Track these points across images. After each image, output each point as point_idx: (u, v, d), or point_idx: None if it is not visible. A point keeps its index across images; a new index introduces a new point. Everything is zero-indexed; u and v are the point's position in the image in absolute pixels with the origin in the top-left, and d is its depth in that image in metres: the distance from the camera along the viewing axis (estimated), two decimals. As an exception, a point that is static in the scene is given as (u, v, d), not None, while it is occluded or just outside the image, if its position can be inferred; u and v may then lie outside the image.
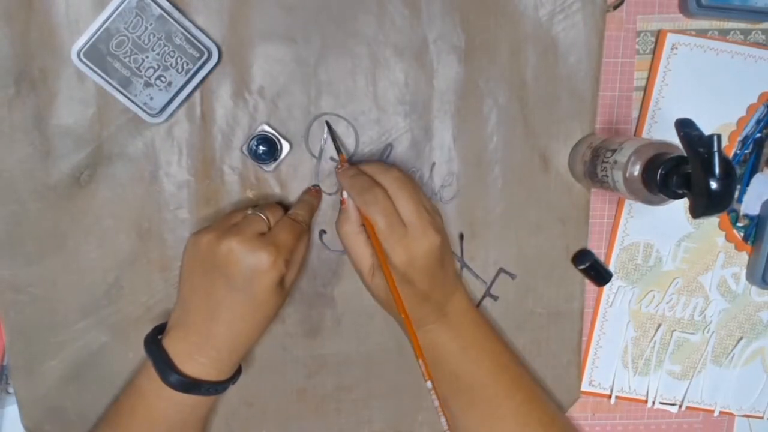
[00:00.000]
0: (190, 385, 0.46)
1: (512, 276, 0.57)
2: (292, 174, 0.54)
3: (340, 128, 0.54)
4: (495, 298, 0.57)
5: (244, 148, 0.52)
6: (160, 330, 0.49)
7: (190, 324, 0.47)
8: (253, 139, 0.52)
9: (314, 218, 0.54)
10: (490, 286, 0.57)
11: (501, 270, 0.56)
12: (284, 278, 0.48)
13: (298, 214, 0.51)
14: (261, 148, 0.52)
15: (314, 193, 0.54)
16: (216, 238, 0.46)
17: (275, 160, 0.53)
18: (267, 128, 0.53)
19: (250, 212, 0.49)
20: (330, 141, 0.53)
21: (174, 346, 0.47)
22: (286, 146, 0.53)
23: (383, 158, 0.54)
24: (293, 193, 0.54)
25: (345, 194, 0.49)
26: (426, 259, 0.47)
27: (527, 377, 0.54)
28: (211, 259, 0.46)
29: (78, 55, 0.49)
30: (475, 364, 0.51)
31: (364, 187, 0.48)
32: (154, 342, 0.48)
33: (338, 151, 0.53)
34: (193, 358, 0.47)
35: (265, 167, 0.53)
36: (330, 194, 0.55)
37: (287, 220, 0.49)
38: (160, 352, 0.47)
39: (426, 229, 0.47)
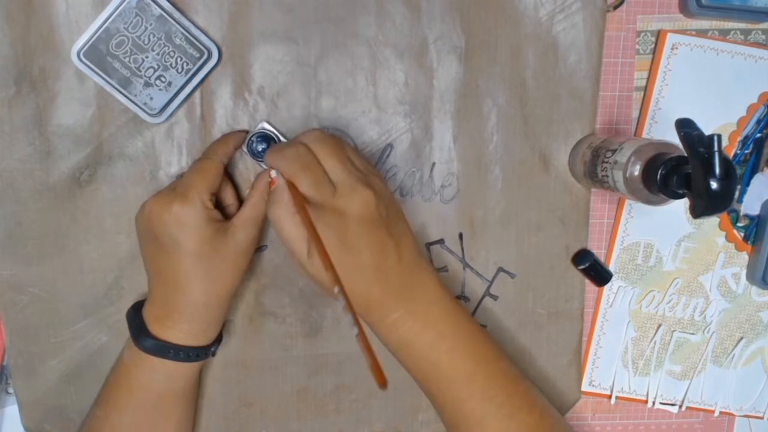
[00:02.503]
0: (160, 348, 0.47)
1: (512, 275, 0.57)
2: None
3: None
4: (495, 297, 0.57)
5: (243, 146, 0.52)
6: (143, 303, 0.51)
7: (153, 292, 0.49)
8: (252, 136, 0.52)
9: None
10: (490, 285, 0.57)
11: (500, 269, 0.56)
12: (231, 223, 0.48)
13: (210, 150, 0.50)
14: (261, 145, 0.52)
15: (236, 133, 0.52)
16: (141, 209, 0.48)
17: None
18: (267, 126, 0.53)
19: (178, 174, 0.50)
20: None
21: (149, 314, 0.49)
22: None
23: (383, 158, 0.54)
24: (293, 193, 0.54)
25: (273, 173, 0.44)
26: (362, 220, 0.42)
27: (510, 372, 0.48)
28: (144, 228, 0.48)
29: (78, 55, 0.49)
30: (451, 359, 0.46)
31: (282, 148, 0.44)
32: (134, 310, 0.50)
33: (276, 140, 0.52)
34: (163, 323, 0.48)
35: (263, 165, 0.53)
36: None
37: (197, 162, 0.49)
38: (136, 318, 0.49)
39: (355, 186, 0.42)
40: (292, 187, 0.43)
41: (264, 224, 0.51)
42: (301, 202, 0.42)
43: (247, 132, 0.52)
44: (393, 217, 0.45)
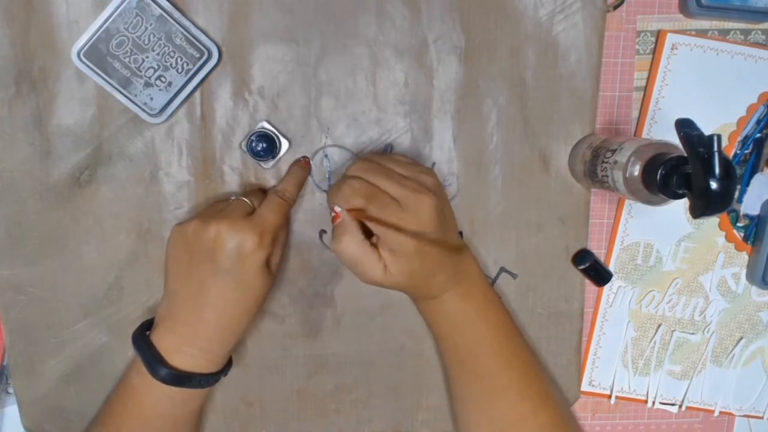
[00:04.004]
0: (180, 378, 0.46)
1: (513, 275, 0.57)
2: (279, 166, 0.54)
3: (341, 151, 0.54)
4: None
5: (243, 144, 0.52)
6: (148, 326, 0.49)
7: (179, 314, 0.47)
8: (252, 135, 0.52)
9: (301, 193, 0.53)
10: (492, 285, 0.57)
11: (502, 269, 0.56)
12: (270, 258, 0.48)
13: (286, 190, 0.50)
14: (260, 144, 0.52)
15: (303, 164, 0.53)
16: (202, 224, 0.46)
17: (274, 157, 0.53)
18: (266, 125, 0.53)
19: (233, 198, 0.49)
20: (333, 161, 0.54)
21: (162, 339, 0.47)
22: (285, 144, 0.53)
23: (383, 158, 0.54)
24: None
25: (337, 208, 0.47)
26: (431, 223, 0.46)
27: (527, 349, 0.53)
28: (198, 245, 0.46)
29: (78, 55, 0.49)
30: (483, 331, 0.51)
31: (340, 187, 0.47)
32: (142, 337, 0.48)
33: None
34: (183, 350, 0.47)
35: (263, 164, 0.53)
36: None
37: (273, 198, 0.49)
38: (148, 347, 0.47)
39: (416, 196, 0.46)
40: (356, 213, 0.46)
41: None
42: (377, 219, 0.45)
43: (309, 161, 0.54)
44: (446, 207, 0.49)
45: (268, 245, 0.46)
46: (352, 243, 0.45)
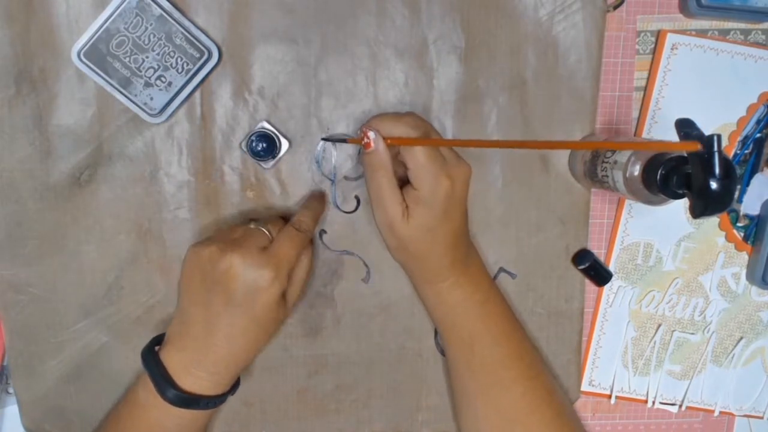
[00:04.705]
0: (188, 401, 0.46)
1: (512, 275, 0.57)
2: (292, 174, 0.54)
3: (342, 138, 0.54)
4: None
5: (243, 144, 0.52)
6: (157, 341, 0.49)
7: (189, 336, 0.47)
8: (252, 135, 0.52)
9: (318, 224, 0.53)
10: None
11: (501, 269, 0.56)
12: (286, 292, 0.48)
13: (302, 222, 0.49)
14: (260, 145, 0.52)
15: (319, 197, 0.53)
16: (218, 252, 0.45)
17: (274, 157, 0.53)
18: (267, 125, 0.53)
19: (252, 226, 0.48)
20: (335, 158, 0.54)
21: (172, 358, 0.47)
22: (285, 144, 0.53)
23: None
24: (293, 194, 0.54)
25: (371, 134, 0.45)
26: (463, 190, 0.47)
27: (531, 347, 0.54)
28: (211, 273, 0.45)
29: (78, 55, 0.49)
30: (488, 322, 0.51)
31: (399, 116, 0.47)
32: (152, 354, 0.47)
33: (344, 141, 0.53)
34: (191, 372, 0.46)
35: (263, 164, 0.53)
36: (347, 212, 0.55)
37: (290, 231, 0.48)
38: (158, 366, 0.46)
39: (459, 160, 0.47)
40: (403, 139, 0.45)
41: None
42: (419, 140, 0.45)
43: (324, 194, 0.54)
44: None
45: (283, 280, 0.46)
46: (385, 178, 0.45)
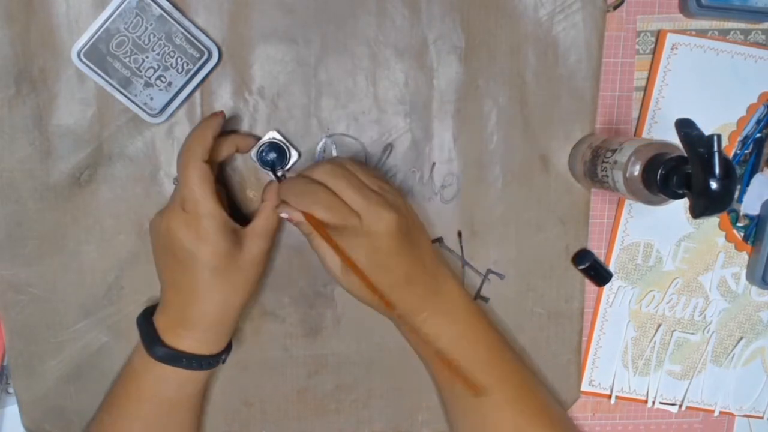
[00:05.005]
0: (174, 357, 0.48)
1: (500, 276, 0.56)
2: (292, 174, 0.54)
3: (346, 141, 0.54)
4: (486, 299, 0.57)
5: (254, 154, 0.52)
6: (153, 310, 0.51)
7: (168, 300, 0.49)
8: (262, 145, 0.52)
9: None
10: (479, 289, 0.56)
11: (489, 271, 0.56)
12: (233, 228, 0.47)
13: (190, 153, 0.46)
14: (270, 155, 0.52)
15: (215, 115, 0.49)
16: (158, 219, 0.48)
17: (282, 168, 0.53)
18: (277, 135, 0.52)
19: (174, 182, 0.50)
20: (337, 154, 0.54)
21: (159, 320, 0.49)
22: (294, 155, 0.53)
23: (383, 158, 0.54)
24: (293, 193, 0.54)
25: (283, 214, 0.46)
26: (390, 240, 0.46)
27: (521, 365, 0.54)
28: (158, 241, 0.48)
29: (78, 55, 0.49)
30: (472, 351, 0.50)
31: (298, 188, 0.46)
32: (144, 317, 0.50)
33: (272, 168, 0.52)
34: (177, 332, 0.48)
35: (271, 175, 0.53)
36: None
37: (186, 169, 0.46)
38: (148, 326, 0.49)
39: (379, 211, 0.45)
40: (312, 219, 0.45)
41: (276, 235, 0.52)
42: (328, 236, 0.45)
43: (221, 112, 0.49)
44: (414, 229, 0.49)
45: (208, 213, 0.45)
46: (317, 240, 0.46)
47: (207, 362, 0.49)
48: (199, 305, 0.47)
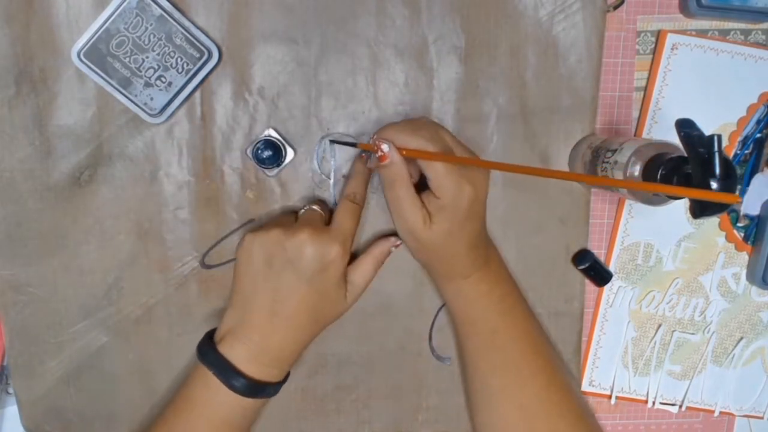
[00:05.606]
0: (256, 389, 0.47)
1: None
2: (292, 174, 0.54)
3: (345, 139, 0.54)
4: None
5: (249, 151, 0.52)
6: (210, 336, 0.49)
7: (253, 324, 0.47)
8: (258, 142, 0.52)
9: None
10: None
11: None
12: (348, 275, 0.50)
13: (356, 194, 0.50)
14: (266, 152, 0.52)
15: (360, 161, 0.52)
16: (284, 233, 0.46)
17: (278, 165, 0.53)
18: (273, 133, 0.52)
19: (306, 208, 0.50)
20: (338, 156, 0.54)
21: (234, 350, 0.47)
22: (290, 153, 0.53)
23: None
24: (293, 194, 0.54)
25: (385, 147, 0.45)
26: (484, 193, 0.48)
27: (549, 338, 0.55)
28: (281, 253, 0.46)
29: (78, 55, 0.49)
30: (509, 317, 0.51)
31: (415, 127, 0.47)
32: (212, 349, 0.47)
33: (353, 145, 0.53)
34: (257, 360, 0.47)
35: (267, 172, 0.53)
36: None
37: (347, 204, 0.49)
38: (220, 359, 0.46)
39: (474, 169, 0.47)
40: (412, 151, 0.45)
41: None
42: (432, 154, 0.45)
43: (368, 153, 0.51)
44: (484, 203, 0.49)
45: (348, 253, 0.48)
46: (404, 189, 0.46)
47: (281, 387, 0.49)
48: (293, 329, 0.47)
